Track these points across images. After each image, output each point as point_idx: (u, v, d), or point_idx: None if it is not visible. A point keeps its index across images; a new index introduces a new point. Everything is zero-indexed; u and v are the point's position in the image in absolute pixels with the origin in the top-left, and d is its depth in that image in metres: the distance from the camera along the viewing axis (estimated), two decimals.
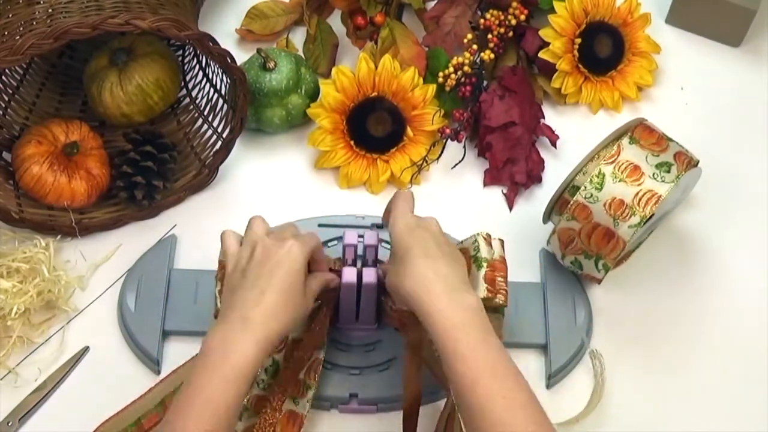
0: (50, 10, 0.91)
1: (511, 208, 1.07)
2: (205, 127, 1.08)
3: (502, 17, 1.11)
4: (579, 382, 0.95)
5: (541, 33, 1.11)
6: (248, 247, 0.84)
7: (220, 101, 1.06)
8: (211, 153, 1.05)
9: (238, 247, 0.85)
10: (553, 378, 0.95)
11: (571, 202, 0.93)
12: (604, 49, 1.13)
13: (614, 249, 0.93)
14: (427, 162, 1.07)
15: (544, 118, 1.12)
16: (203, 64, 1.08)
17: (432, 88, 1.07)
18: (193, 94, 1.10)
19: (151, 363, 0.95)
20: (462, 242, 0.90)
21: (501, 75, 1.10)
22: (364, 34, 1.12)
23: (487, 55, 1.10)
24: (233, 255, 0.85)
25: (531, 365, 0.96)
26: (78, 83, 1.08)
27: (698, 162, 0.96)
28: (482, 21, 1.11)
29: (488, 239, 0.89)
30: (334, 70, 1.05)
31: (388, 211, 0.88)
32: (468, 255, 0.88)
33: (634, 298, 1.01)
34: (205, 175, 1.05)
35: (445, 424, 0.88)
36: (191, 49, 1.10)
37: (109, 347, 0.96)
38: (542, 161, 1.08)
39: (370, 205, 1.06)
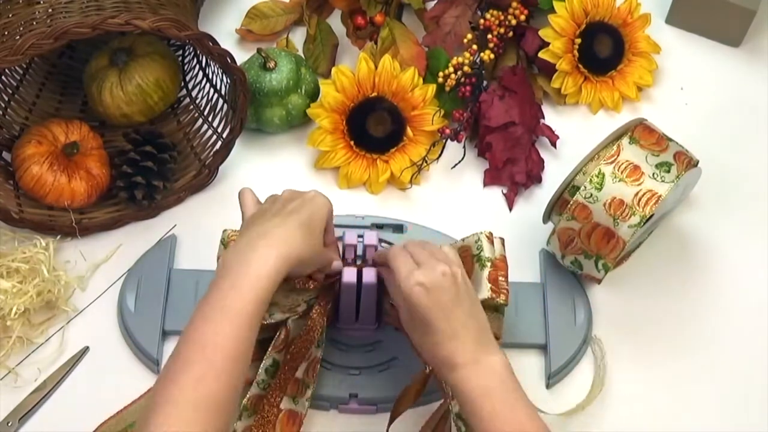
0: (50, 10, 0.91)
1: (511, 208, 1.06)
2: (205, 127, 1.08)
3: (502, 17, 1.11)
4: (579, 381, 0.95)
5: (541, 33, 1.11)
6: (270, 198, 0.85)
7: (220, 101, 1.06)
8: (211, 153, 1.05)
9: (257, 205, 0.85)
10: (553, 378, 0.95)
11: (571, 202, 0.93)
12: (604, 49, 1.13)
13: (614, 249, 0.93)
14: (427, 162, 1.07)
15: (544, 118, 1.12)
16: (203, 64, 1.08)
17: (432, 88, 1.07)
18: (193, 94, 1.10)
19: (150, 363, 0.94)
20: (463, 240, 0.90)
21: (501, 75, 1.10)
22: (364, 34, 1.12)
23: (487, 55, 1.10)
24: (252, 207, 0.84)
25: (531, 365, 0.96)
26: (78, 83, 1.08)
27: (698, 162, 0.96)
28: (482, 21, 1.11)
29: (490, 237, 0.89)
30: (334, 70, 1.05)
31: (382, 259, 0.86)
32: (470, 253, 0.88)
33: (634, 298, 1.01)
34: (205, 175, 1.05)
35: (436, 424, 0.88)
36: (191, 49, 1.10)
37: (109, 347, 0.96)
38: (542, 161, 1.08)
39: (370, 205, 1.06)
